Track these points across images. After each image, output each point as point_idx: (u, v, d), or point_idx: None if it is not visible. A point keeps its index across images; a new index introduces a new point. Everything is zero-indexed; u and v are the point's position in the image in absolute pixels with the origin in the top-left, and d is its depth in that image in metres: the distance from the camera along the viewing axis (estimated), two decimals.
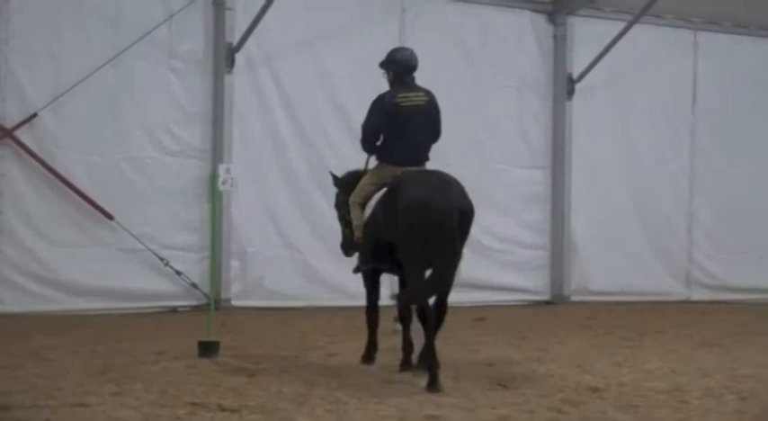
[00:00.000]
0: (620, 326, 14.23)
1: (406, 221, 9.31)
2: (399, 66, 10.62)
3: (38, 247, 13.90)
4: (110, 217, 14.17)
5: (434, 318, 9.37)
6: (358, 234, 10.15)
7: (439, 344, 9.39)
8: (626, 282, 17.52)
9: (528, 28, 17.30)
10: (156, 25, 14.56)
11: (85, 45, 14.21)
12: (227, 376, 9.54)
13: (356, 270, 10.64)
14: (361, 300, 15.40)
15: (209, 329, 10.80)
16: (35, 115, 13.84)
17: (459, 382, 9.39)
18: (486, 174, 16.71)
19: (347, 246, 10.61)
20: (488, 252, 16.83)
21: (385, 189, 9.94)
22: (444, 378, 9.17)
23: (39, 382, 8.92)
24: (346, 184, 10.70)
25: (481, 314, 14.89)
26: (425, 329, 9.33)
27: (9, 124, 13.76)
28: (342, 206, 10.69)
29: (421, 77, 16.08)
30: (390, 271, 10.36)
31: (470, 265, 16.49)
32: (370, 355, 10.64)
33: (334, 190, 15.46)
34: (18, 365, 9.76)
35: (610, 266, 17.47)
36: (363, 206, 10.18)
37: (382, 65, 10.64)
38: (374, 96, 15.82)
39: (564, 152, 17.44)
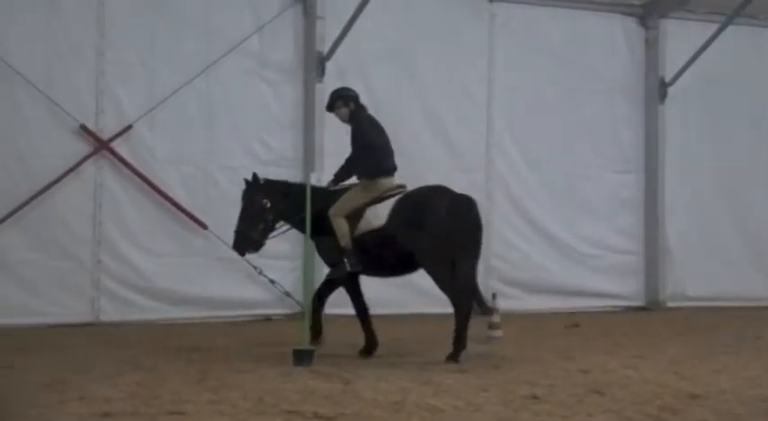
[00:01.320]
0: (718, 332, 14.01)
1: (451, 230, 10.90)
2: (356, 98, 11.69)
3: (135, 257, 14.10)
4: (204, 226, 14.32)
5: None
6: (345, 243, 11.08)
7: (534, 350, 9.31)
8: (722, 287, 17.26)
9: (619, 31, 17.17)
10: (248, 36, 14.71)
11: (179, 57, 14.39)
12: (323, 384, 9.55)
13: (333, 274, 11.53)
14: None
15: (304, 337, 10.84)
16: (130, 127, 14.03)
17: (554, 389, 9.30)
18: (578, 179, 16.63)
19: (246, 245, 11.61)
20: (581, 257, 16.74)
21: (399, 202, 11.16)
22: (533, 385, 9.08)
23: (138, 390, 9.02)
24: (275, 192, 11.66)
25: (575, 320, 14.76)
26: (463, 318, 11.02)
27: (106, 136, 13.98)
28: (259, 208, 11.54)
29: (511, 83, 16.20)
30: (373, 274, 11.73)
31: (563, 271, 16.48)
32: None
33: None
34: (117, 373, 9.88)
35: (705, 271, 17.22)
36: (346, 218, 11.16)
37: (345, 100, 11.55)
38: (466, 103, 15.98)
39: (657, 156, 17.26)
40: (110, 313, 13.88)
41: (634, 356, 11.49)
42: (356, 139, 11.53)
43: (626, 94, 17.23)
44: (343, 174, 11.66)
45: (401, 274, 11.80)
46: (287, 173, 14.98)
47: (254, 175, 11.72)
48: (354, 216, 11.15)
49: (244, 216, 11.57)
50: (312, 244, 11.48)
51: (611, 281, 16.92)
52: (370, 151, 11.39)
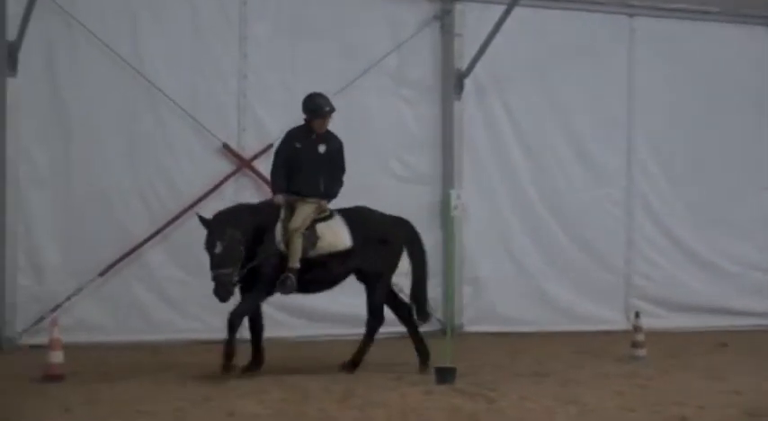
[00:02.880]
0: None
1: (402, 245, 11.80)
2: None
3: None
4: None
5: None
6: (296, 262, 11.09)
7: (680, 370, 9.10)
8: None
9: (763, 44, 16.75)
10: (386, 54, 14.76)
11: (317, 77, 14.44)
12: (467, 402, 9.50)
13: (282, 290, 11.23)
14: (592, 324, 15.35)
15: (446, 355, 10.79)
16: (271, 145, 14.15)
17: (704, 412, 9.10)
18: (722, 196, 16.31)
19: (228, 291, 10.86)
20: (725, 275, 16.41)
21: (357, 223, 11.55)
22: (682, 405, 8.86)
23: (284, 407, 9.10)
24: (240, 221, 11.08)
25: (721, 339, 14.43)
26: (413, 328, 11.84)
27: (247, 155, 14.16)
28: (236, 245, 10.89)
29: (652, 98, 15.95)
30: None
31: (707, 289, 16.15)
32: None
33: (568, 215, 15.49)
34: (263, 390, 9.97)
35: None
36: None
37: (329, 111, 11.56)
38: (606, 119, 15.79)
39: None
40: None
41: None
42: (342, 158, 11.62)
43: None
44: (317, 190, 11.42)
45: (320, 292, 11.93)
46: (424, 190, 15.05)
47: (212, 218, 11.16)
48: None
49: (224, 256, 10.75)
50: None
51: (756, 299, 16.49)
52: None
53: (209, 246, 10.81)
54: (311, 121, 11.48)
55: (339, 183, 11.60)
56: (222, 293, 10.72)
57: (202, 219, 11.00)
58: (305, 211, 11.20)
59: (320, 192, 11.39)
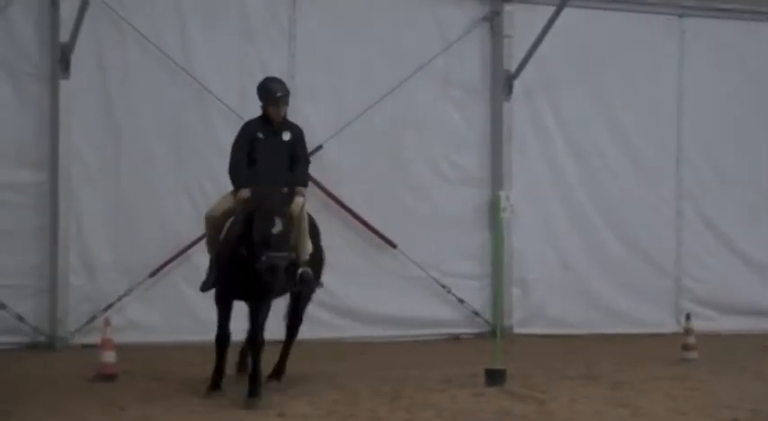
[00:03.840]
0: None
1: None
2: None
3: (325, 275, 14.20)
4: (393, 245, 14.39)
5: None
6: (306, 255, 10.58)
7: (731, 372, 9.04)
8: None
9: None
10: (435, 55, 14.75)
11: (366, 78, 14.50)
12: (517, 404, 9.50)
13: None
14: (642, 327, 15.27)
15: (496, 357, 10.77)
16: (320, 147, 14.20)
17: (757, 414, 9.03)
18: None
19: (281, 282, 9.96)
20: None
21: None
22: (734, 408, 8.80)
23: (335, 408, 9.13)
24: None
25: None
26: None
27: None
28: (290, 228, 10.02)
29: (702, 98, 15.83)
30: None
31: (759, 291, 16.01)
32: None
33: (617, 216, 15.42)
34: (313, 391, 10.01)
35: None
36: None
37: (282, 96, 10.54)
38: (655, 120, 15.69)
39: None
40: (301, 331, 14.02)
41: None
42: (305, 146, 10.81)
43: None
44: (287, 180, 10.42)
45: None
46: (473, 192, 15.02)
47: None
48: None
49: (284, 237, 9.65)
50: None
51: None
52: None
53: (266, 222, 9.52)
54: (266, 109, 10.50)
55: (307, 172, 10.92)
56: (276, 283, 9.61)
57: (256, 193, 9.89)
58: (300, 202, 10.34)
59: (292, 181, 10.43)
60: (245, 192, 10.11)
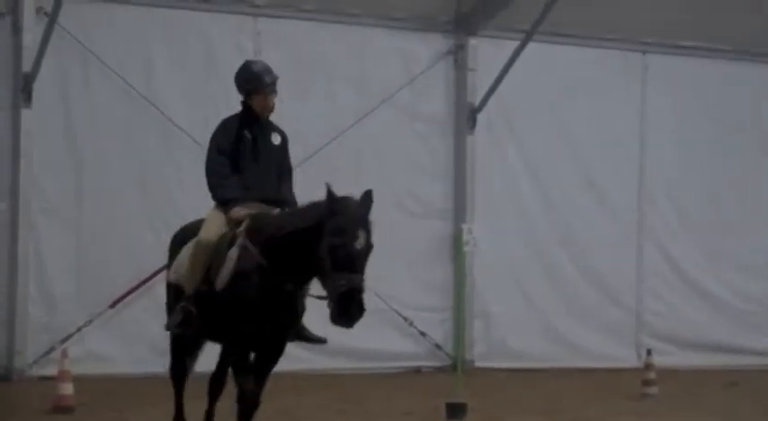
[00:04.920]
0: None
1: None
2: None
3: None
4: None
5: None
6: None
7: (691, 410, 9.02)
8: None
9: None
10: (399, 88, 14.78)
11: (330, 110, 14.51)
12: None
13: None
14: (603, 361, 15.28)
15: (457, 390, 10.75)
16: None
17: None
18: (732, 233, 16.30)
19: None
20: (737, 313, 16.35)
21: None
22: None
23: None
24: None
25: (733, 378, 14.35)
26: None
27: None
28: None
29: (663, 135, 15.95)
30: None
31: (718, 327, 16.08)
32: None
33: (579, 250, 15.47)
34: None
35: None
36: None
37: (271, 83, 8.42)
38: (618, 156, 15.76)
39: None
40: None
41: None
42: (289, 155, 8.64)
43: None
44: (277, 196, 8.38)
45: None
46: (436, 225, 15.02)
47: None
48: None
49: (367, 256, 7.59)
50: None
51: None
52: None
53: (351, 233, 7.36)
54: (250, 99, 8.33)
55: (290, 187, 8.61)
56: (357, 313, 7.24)
57: (333, 200, 7.56)
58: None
59: (282, 199, 8.32)
60: (238, 212, 8.00)
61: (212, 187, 8.26)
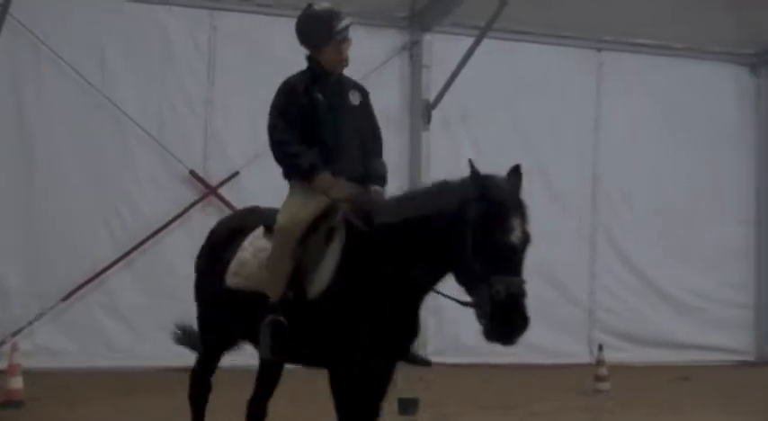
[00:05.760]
0: None
1: None
2: None
3: None
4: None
5: None
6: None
7: (642, 405, 9.07)
8: None
9: (726, 79, 16.89)
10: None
11: None
12: None
13: None
14: (557, 357, 15.31)
15: (409, 386, 10.73)
16: (237, 173, 14.14)
17: None
18: (687, 230, 16.34)
19: None
20: (689, 310, 16.43)
21: None
22: None
23: None
24: None
25: (684, 373, 14.45)
26: None
27: (213, 182, 14.11)
28: None
29: (618, 132, 16.03)
30: None
31: (670, 323, 16.18)
32: None
33: (532, 247, 15.46)
34: (224, 417, 9.89)
35: None
36: None
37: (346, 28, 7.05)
38: (572, 152, 15.80)
39: None
40: (230, 358, 13.84)
41: (747, 413, 11.21)
42: (375, 116, 7.31)
43: (732, 145, 16.88)
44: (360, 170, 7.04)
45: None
46: None
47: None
48: None
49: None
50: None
51: (720, 334, 16.45)
52: None
53: (508, 222, 5.94)
54: (318, 52, 6.99)
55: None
56: (525, 324, 5.91)
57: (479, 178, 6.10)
58: None
59: (373, 175, 6.98)
60: (326, 179, 6.69)
61: (284, 160, 6.86)
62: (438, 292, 6.39)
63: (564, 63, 15.81)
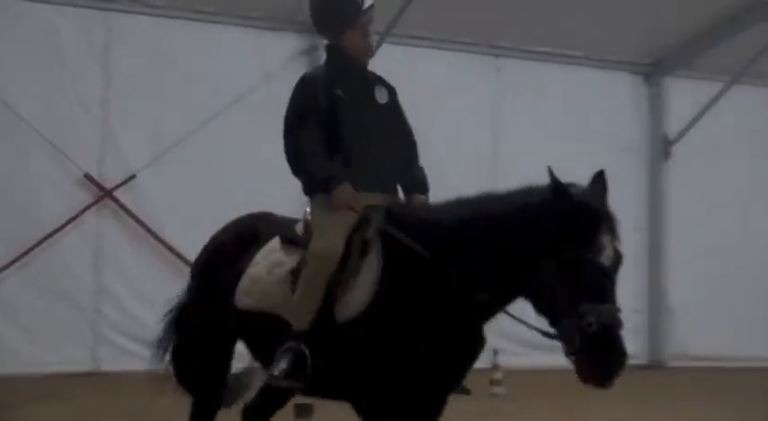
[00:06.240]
0: (723, 393, 13.85)
1: None
2: None
3: (135, 306, 13.94)
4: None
5: None
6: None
7: (535, 408, 9.13)
8: (728, 347, 16.91)
9: (623, 88, 17.15)
10: (252, 87, 14.66)
11: (183, 106, 14.33)
12: None
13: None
14: None
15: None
16: (134, 176, 14.00)
17: None
18: None
19: None
20: None
21: None
22: None
23: None
24: None
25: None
26: None
27: (109, 185, 13.93)
28: None
29: (517, 138, 16.16)
30: None
31: None
32: None
33: None
34: None
35: (712, 331, 16.85)
36: None
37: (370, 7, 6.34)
38: (472, 158, 15.89)
39: (660, 215, 17.21)
40: (110, 362, 13.74)
41: (641, 416, 11.38)
42: (402, 112, 6.69)
43: (629, 151, 17.15)
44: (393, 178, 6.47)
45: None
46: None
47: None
48: None
49: None
50: None
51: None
52: None
53: (599, 242, 5.33)
54: (340, 38, 6.30)
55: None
56: (623, 360, 5.20)
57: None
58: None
59: (412, 184, 6.47)
60: (345, 192, 5.90)
61: (299, 174, 6.07)
62: (514, 318, 5.70)
63: (462, 69, 15.91)
